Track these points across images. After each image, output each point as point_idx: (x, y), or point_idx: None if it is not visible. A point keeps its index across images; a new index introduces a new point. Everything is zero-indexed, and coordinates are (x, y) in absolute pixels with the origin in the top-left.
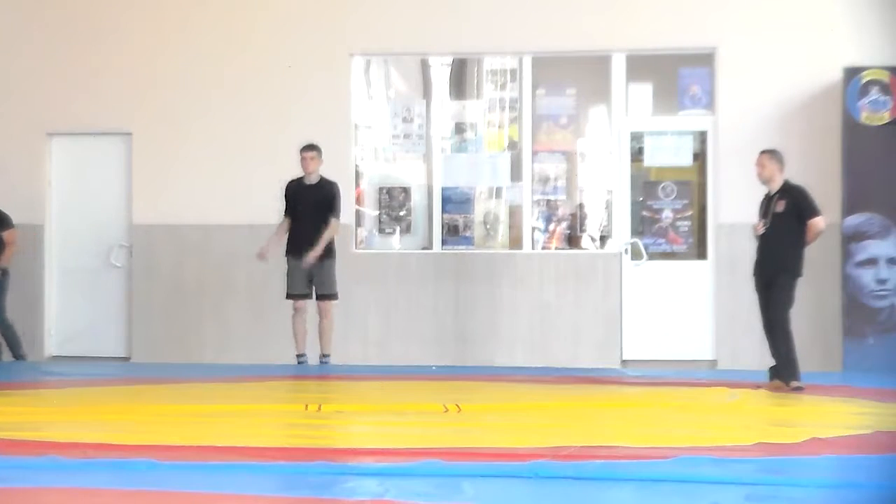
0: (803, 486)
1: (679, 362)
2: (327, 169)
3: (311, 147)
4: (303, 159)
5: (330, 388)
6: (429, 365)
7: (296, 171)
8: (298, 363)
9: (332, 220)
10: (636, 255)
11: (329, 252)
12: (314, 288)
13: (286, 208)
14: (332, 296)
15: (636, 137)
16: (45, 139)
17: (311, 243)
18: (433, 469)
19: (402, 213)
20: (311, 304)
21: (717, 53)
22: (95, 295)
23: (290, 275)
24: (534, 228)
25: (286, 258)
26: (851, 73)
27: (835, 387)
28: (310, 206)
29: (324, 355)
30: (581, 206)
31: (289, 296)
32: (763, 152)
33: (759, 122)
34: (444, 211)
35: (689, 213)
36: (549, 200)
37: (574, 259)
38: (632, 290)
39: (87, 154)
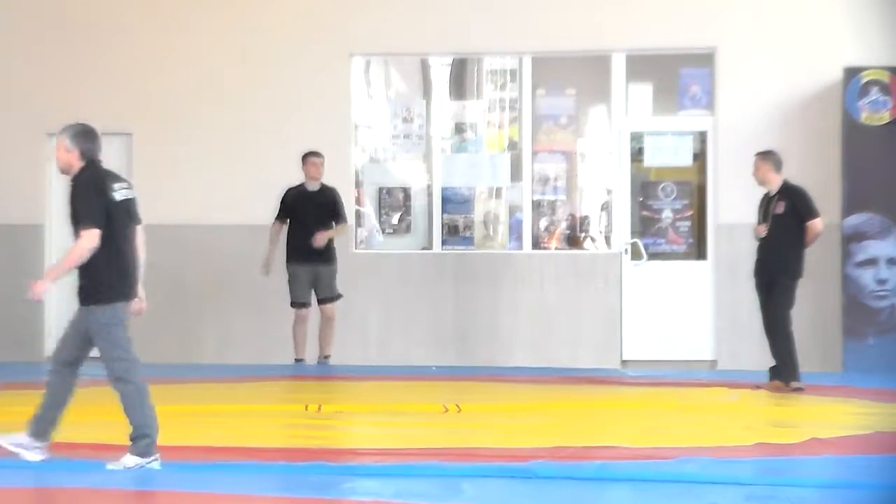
0: (803, 486)
1: (679, 362)
2: (327, 168)
3: (319, 153)
4: (312, 164)
5: (330, 389)
6: (429, 365)
7: (296, 171)
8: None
9: (342, 225)
10: (636, 255)
11: (331, 258)
12: (316, 293)
13: (282, 214)
14: (335, 297)
15: (636, 137)
16: (45, 139)
17: (317, 250)
18: (433, 469)
19: (402, 213)
20: (313, 311)
21: (717, 53)
22: None
23: (294, 282)
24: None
25: (288, 265)
26: (851, 73)
27: (835, 387)
28: (315, 212)
29: (325, 356)
30: (581, 206)
31: (293, 304)
32: (756, 154)
33: (758, 123)
34: (444, 211)
35: (689, 213)
36: (549, 201)
37: (574, 259)
38: (632, 290)
39: None
